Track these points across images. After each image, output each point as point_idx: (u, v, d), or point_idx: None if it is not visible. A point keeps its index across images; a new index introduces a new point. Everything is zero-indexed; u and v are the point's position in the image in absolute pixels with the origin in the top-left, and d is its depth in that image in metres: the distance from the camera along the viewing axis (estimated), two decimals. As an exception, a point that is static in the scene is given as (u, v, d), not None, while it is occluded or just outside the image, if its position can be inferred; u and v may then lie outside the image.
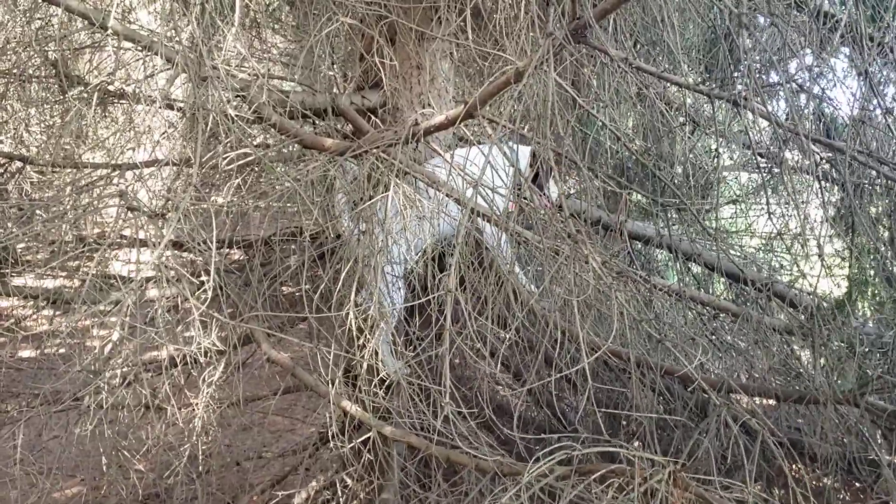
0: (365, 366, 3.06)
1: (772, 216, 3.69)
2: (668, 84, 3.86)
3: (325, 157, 3.18)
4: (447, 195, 3.14)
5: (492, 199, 3.11)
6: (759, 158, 4.31)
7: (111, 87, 3.72)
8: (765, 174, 4.43)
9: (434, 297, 3.14)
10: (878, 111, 3.79)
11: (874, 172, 3.53)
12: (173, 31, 3.01)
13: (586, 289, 2.63)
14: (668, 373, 3.14)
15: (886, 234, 3.94)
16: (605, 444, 2.45)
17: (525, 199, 3.52)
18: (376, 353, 3.08)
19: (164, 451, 3.68)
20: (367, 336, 2.96)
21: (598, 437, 2.55)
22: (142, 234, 3.29)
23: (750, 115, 3.20)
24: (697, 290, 4.43)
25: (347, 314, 2.87)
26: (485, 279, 2.99)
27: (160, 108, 3.25)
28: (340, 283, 2.92)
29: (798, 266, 4.29)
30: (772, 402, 3.57)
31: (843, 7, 3.63)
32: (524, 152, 3.69)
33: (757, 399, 3.49)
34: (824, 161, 3.65)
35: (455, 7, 3.50)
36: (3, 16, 3.95)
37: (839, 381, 3.01)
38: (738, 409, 2.96)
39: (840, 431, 3.16)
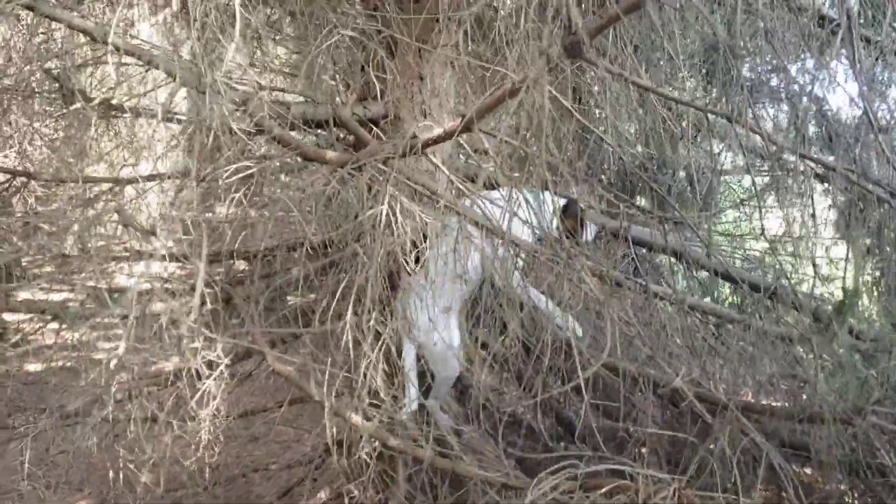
0: (371, 378, 3.07)
1: (765, 228, 3.67)
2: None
3: (327, 169, 3.19)
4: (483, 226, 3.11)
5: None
6: (758, 163, 4.29)
7: (113, 102, 3.74)
8: (764, 179, 4.41)
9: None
10: (878, 129, 3.77)
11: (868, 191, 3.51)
12: (174, 46, 3.03)
13: (587, 301, 2.63)
14: (672, 391, 3.13)
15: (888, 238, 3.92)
16: (610, 459, 2.45)
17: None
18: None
19: (171, 464, 3.68)
20: (371, 350, 2.97)
21: (603, 455, 2.54)
22: (145, 248, 3.30)
23: (744, 129, 3.19)
24: (703, 296, 4.41)
25: (347, 326, 2.87)
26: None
27: (161, 121, 3.27)
28: (339, 295, 2.93)
29: (791, 273, 4.26)
30: (777, 405, 3.55)
31: (842, 10, 3.61)
32: (553, 201, 3.61)
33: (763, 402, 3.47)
34: (818, 178, 3.64)
35: (455, 18, 3.50)
36: (7, 32, 3.97)
37: (842, 393, 2.99)
38: (744, 421, 2.94)
39: (846, 439, 3.14)
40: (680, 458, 3.31)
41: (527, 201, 3.17)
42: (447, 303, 3.36)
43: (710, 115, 3.11)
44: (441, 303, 3.30)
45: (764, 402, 3.54)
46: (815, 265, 3.32)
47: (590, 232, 3.69)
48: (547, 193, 3.61)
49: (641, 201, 4.72)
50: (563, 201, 3.62)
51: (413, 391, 3.36)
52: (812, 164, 3.26)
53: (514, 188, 3.07)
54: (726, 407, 2.93)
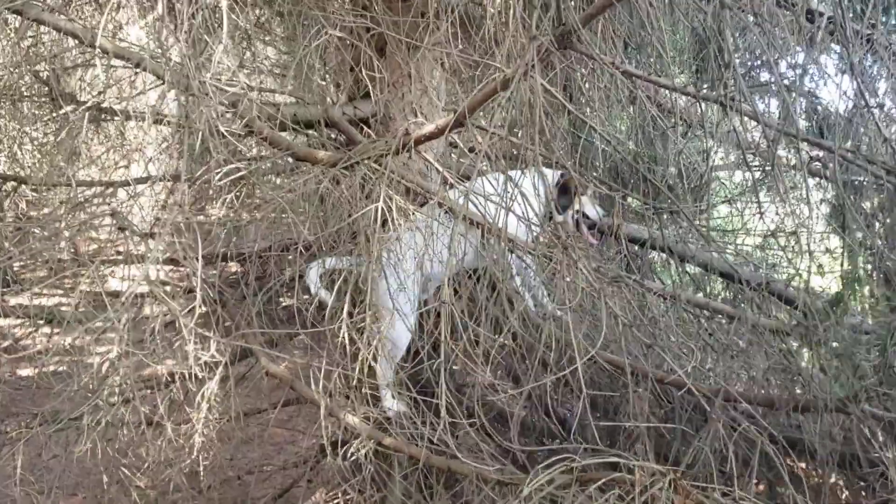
0: (365, 376, 3.06)
1: (763, 217, 3.68)
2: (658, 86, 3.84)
3: (318, 168, 3.18)
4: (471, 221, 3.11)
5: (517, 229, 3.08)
6: (751, 157, 4.30)
7: (103, 105, 3.73)
8: (757, 173, 4.42)
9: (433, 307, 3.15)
10: (873, 108, 3.78)
11: (865, 172, 3.52)
12: (162, 48, 3.02)
13: (582, 295, 2.63)
14: (662, 381, 3.13)
15: (880, 230, 3.93)
16: (605, 452, 2.45)
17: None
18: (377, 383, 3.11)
19: (165, 468, 3.67)
20: (363, 349, 2.96)
21: (597, 448, 2.54)
22: (136, 251, 3.29)
23: (738, 117, 3.19)
24: (695, 291, 4.41)
25: (341, 327, 2.86)
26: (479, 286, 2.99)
27: (151, 124, 3.26)
28: (335, 296, 2.92)
29: (789, 265, 4.28)
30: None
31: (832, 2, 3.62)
32: (551, 176, 3.63)
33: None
34: (815, 161, 3.65)
35: (443, 16, 3.50)
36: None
37: (835, 384, 2.99)
38: (736, 414, 2.95)
39: (840, 431, 3.15)
40: (672, 453, 3.32)
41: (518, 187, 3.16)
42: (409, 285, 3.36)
43: (702, 105, 3.11)
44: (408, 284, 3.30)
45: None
46: (810, 254, 3.32)
47: (594, 211, 3.70)
48: (546, 170, 3.61)
49: (634, 196, 4.72)
50: (557, 175, 3.63)
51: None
52: (807, 149, 3.26)
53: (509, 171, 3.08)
54: (720, 398, 2.93)
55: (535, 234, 3.33)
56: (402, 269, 3.15)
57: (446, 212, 3.20)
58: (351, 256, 3.29)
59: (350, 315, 2.94)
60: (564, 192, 3.67)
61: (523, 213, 3.06)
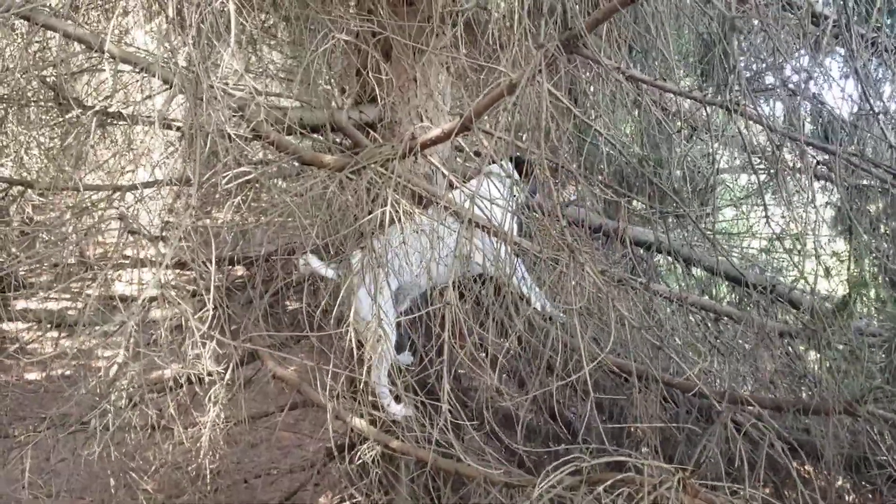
0: (369, 380, 3.06)
1: (770, 220, 3.67)
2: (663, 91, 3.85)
3: (325, 172, 3.19)
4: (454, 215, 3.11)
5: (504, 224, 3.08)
6: (756, 161, 4.30)
7: (110, 109, 3.74)
8: (762, 177, 4.41)
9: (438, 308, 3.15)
10: (878, 112, 3.78)
11: (870, 175, 3.53)
12: (170, 52, 3.03)
13: (587, 298, 2.64)
14: (668, 384, 3.13)
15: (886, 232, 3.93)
16: (612, 453, 2.45)
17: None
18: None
19: (172, 471, 3.68)
20: (368, 352, 2.96)
21: (604, 448, 2.54)
22: (143, 255, 3.30)
23: (743, 120, 3.19)
24: (701, 294, 4.41)
25: (347, 330, 2.86)
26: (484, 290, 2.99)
27: (159, 128, 3.27)
28: (339, 300, 2.93)
29: (797, 268, 4.27)
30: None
31: (837, 5, 3.62)
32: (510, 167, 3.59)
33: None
34: (820, 165, 3.65)
35: (449, 20, 3.51)
36: (2, 41, 3.97)
37: (843, 384, 2.99)
38: (743, 415, 2.94)
39: (847, 433, 3.14)
40: (678, 455, 3.31)
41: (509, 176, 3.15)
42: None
43: (707, 108, 3.12)
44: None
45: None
46: (818, 255, 3.32)
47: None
48: (506, 162, 3.57)
49: (639, 200, 4.72)
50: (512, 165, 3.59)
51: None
52: (812, 153, 3.26)
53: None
54: (730, 401, 2.93)
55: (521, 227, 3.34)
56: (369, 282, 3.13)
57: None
58: (334, 265, 3.30)
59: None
60: (526, 174, 3.60)
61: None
